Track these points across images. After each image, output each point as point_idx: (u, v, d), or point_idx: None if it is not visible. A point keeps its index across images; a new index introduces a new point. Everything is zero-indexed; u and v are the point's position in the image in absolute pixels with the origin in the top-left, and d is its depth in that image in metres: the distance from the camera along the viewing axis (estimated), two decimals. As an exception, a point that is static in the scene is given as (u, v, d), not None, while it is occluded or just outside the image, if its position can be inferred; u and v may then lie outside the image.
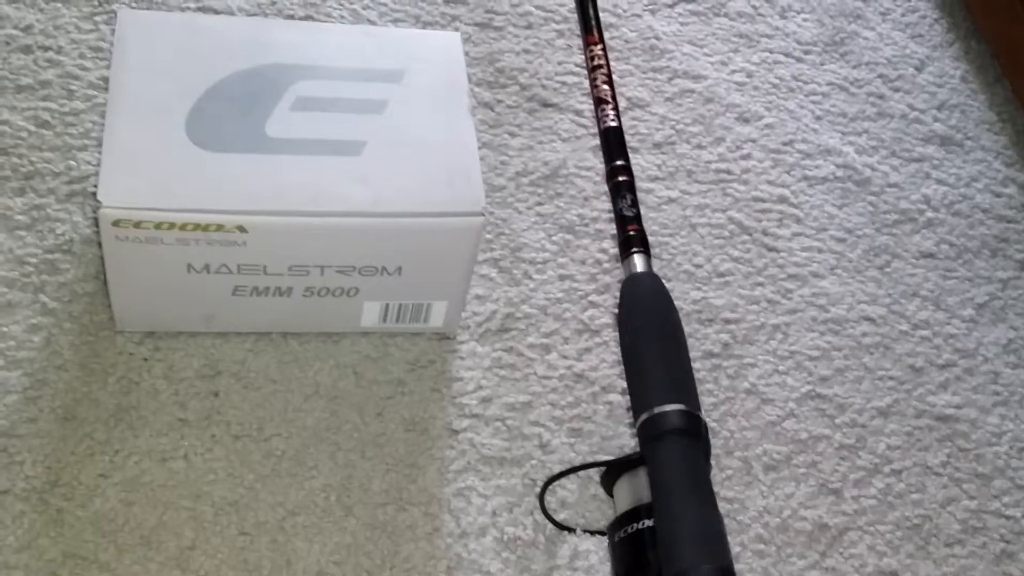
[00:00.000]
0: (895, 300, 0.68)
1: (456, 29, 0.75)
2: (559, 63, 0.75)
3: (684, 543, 0.48)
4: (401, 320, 0.59)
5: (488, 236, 0.65)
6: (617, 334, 0.62)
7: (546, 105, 0.73)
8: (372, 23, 0.74)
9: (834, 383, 0.63)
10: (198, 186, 0.51)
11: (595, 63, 0.65)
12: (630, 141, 0.72)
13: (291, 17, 0.73)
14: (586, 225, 0.67)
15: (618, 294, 0.63)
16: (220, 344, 0.58)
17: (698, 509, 0.49)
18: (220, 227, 0.51)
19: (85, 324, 0.57)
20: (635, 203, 0.59)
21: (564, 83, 0.74)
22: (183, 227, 0.51)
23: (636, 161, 0.71)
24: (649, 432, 0.52)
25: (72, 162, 0.62)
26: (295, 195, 0.52)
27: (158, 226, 0.50)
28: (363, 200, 0.53)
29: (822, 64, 0.80)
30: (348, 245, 0.53)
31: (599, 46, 0.66)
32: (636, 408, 0.53)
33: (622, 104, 0.74)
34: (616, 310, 0.63)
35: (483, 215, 0.54)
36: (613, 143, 0.62)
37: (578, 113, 0.72)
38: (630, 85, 0.75)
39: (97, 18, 0.70)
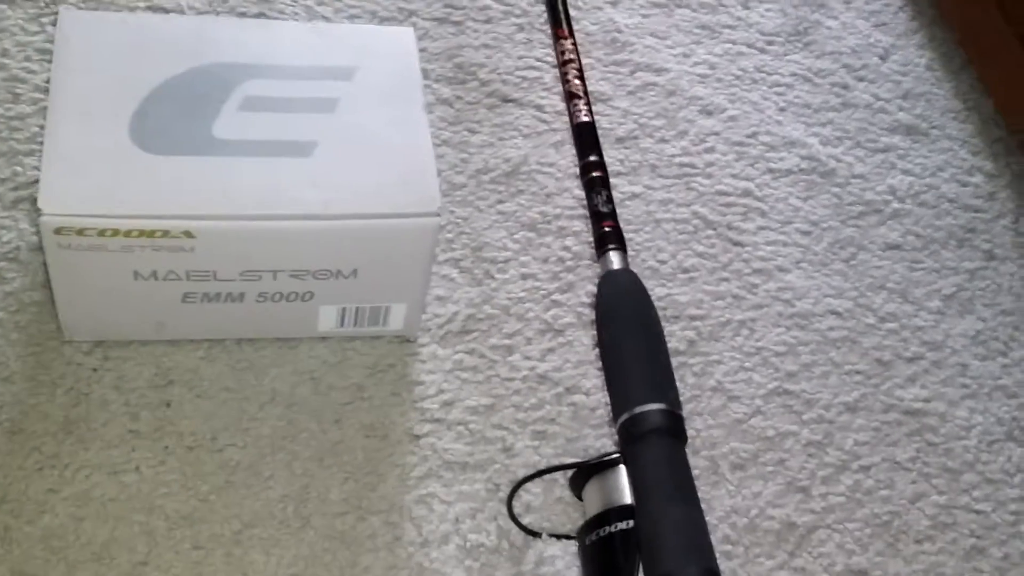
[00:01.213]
0: (861, 293, 0.67)
1: (413, 24, 0.74)
2: (519, 58, 0.74)
3: (669, 545, 0.47)
4: (359, 324, 0.57)
5: (448, 235, 0.64)
6: (580, 334, 0.61)
7: (507, 101, 0.71)
8: (326, 19, 0.72)
9: (801, 379, 0.62)
10: (143, 190, 0.50)
11: (565, 57, 0.63)
12: (592, 136, 0.70)
13: (243, 15, 0.71)
14: (548, 223, 0.66)
15: (582, 293, 0.62)
16: (172, 352, 0.56)
17: (683, 510, 0.48)
18: (166, 233, 0.50)
19: (32, 334, 0.55)
20: (610, 199, 0.59)
21: (525, 78, 0.73)
22: (128, 233, 0.49)
23: (598, 156, 0.69)
24: (631, 432, 0.51)
25: (18, 167, 0.60)
26: (244, 198, 0.50)
27: (102, 233, 0.49)
28: (315, 202, 0.51)
29: (785, 55, 0.79)
30: (301, 249, 0.52)
31: (569, 40, 0.65)
32: (616, 407, 0.52)
33: (584, 98, 0.72)
34: (589, 308, 0.62)
35: (439, 215, 0.52)
36: (586, 138, 0.61)
37: (539, 108, 0.71)
38: (592, 79, 0.74)
39: (44, 19, 0.68)
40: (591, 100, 0.72)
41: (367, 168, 0.53)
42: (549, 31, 0.74)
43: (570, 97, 0.62)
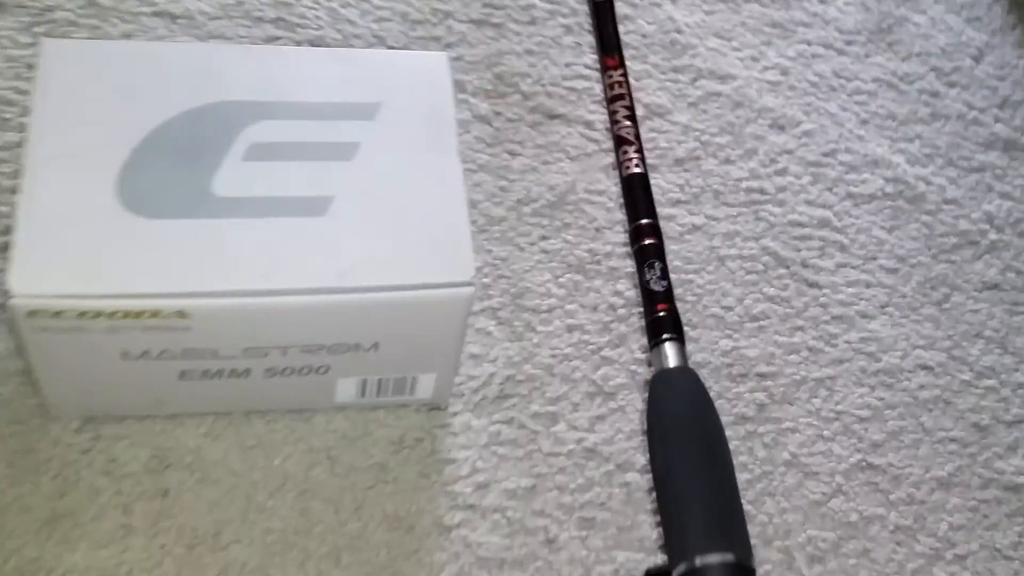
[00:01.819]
0: (956, 343, 0.59)
1: (448, 28, 0.66)
2: (567, 65, 0.66)
3: None
4: (383, 394, 0.50)
5: (485, 280, 0.57)
6: (633, 397, 0.53)
7: (552, 117, 0.64)
8: (352, 23, 0.65)
9: (888, 450, 0.55)
10: (128, 265, 0.43)
11: (615, 92, 0.54)
12: (648, 156, 0.62)
13: (259, 19, 0.63)
14: (598, 263, 0.58)
15: (635, 347, 0.54)
16: (171, 429, 0.49)
17: None
18: (156, 313, 0.43)
19: (15, 410, 0.49)
20: (665, 273, 0.50)
21: (573, 89, 0.65)
22: (112, 315, 0.42)
23: (655, 181, 0.62)
24: None
25: (4, 207, 0.54)
26: (245, 270, 0.43)
27: (81, 315, 0.42)
28: (328, 273, 0.44)
29: (867, 56, 0.70)
30: (313, 324, 0.45)
31: (619, 71, 0.55)
32: (673, 554, 0.44)
33: (639, 111, 0.64)
34: (644, 367, 0.54)
35: (473, 285, 0.45)
36: (639, 195, 0.52)
37: (588, 125, 0.63)
38: (648, 89, 0.66)
39: (37, 29, 0.61)
40: (647, 114, 0.64)
41: (390, 229, 0.45)
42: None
43: (619, 143, 0.53)
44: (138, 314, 0.42)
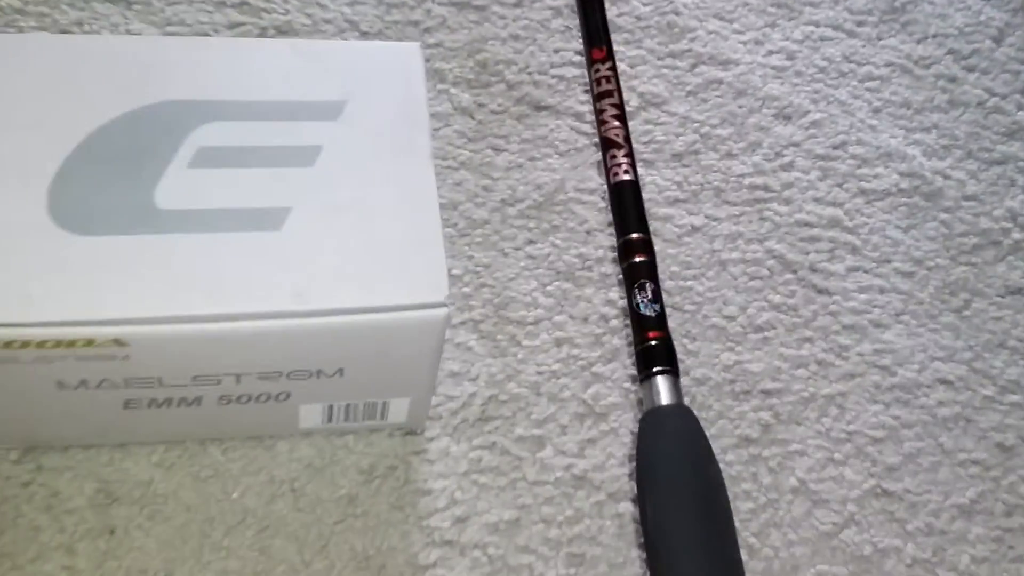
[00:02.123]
0: (977, 355, 0.54)
1: (428, 11, 0.61)
2: (555, 51, 0.61)
3: None
4: (352, 419, 0.46)
5: (466, 289, 0.52)
6: (626, 418, 0.49)
7: (539, 108, 0.59)
8: (322, 6, 0.60)
9: (904, 474, 0.50)
10: (60, 288, 0.38)
11: (602, 88, 0.49)
12: (643, 151, 0.58)
13: (221, 3, 0.59)
14: (589, 269, 0.54)
15: (629, 362, 0.50)
16: (119, 459, 0.45)
17: None
18: (91, 342, 0.38)
19: (-54, 441, 0.44)
20: (658, 296, 0.45)
21: (561, 78, 0.60)
22: (42, 344, 0.38)
23: (652, 178, 0.57)
24: None
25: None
26: (191, 293, 0.39)
27: (8, 345, 0.38)
28: (284, 295, 0.39)
29: (879, 39, 0.66)
30: (268, 351, 0.40)
31: (607, 64, 0.50)
32: None
33: (634, 101, 0.60)
34: (637, 383, 0.50)
35: (447, 306, 0.40)
36: (629, 206, 0.47)
37: (579, 117, 0.58)
38: (643, 76, 0.61)
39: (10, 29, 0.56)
40: (642, 104, 0.59)
41: (354, 244, 0.41)
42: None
43: (607, 146, 0.47)
44: (71, 343, 0.38)
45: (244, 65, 0.45)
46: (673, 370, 0.44)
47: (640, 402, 0.49)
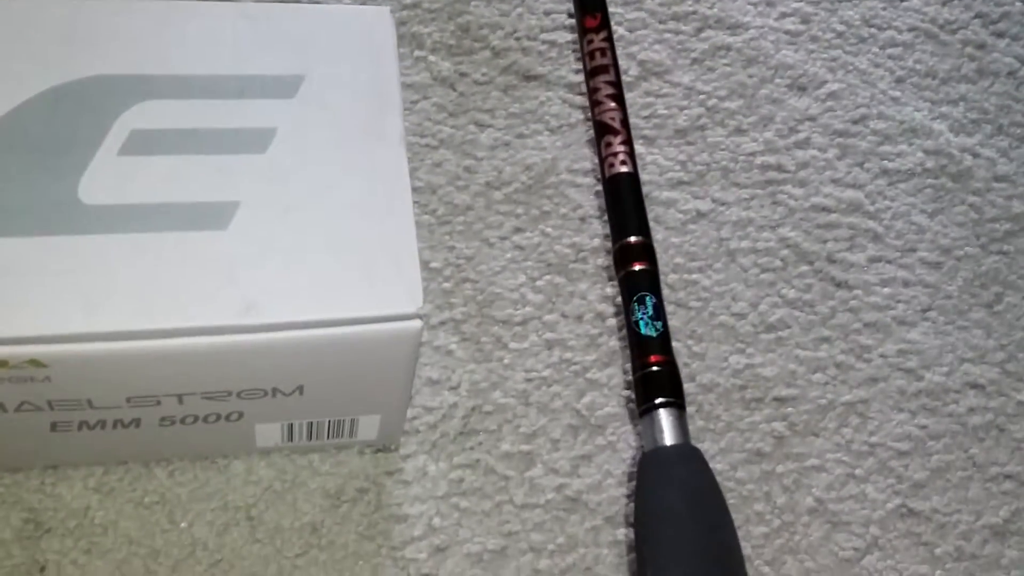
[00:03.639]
0: (1010, 355, 0.49)
1: (404, -31, 0.55)
2: (546, 13, 0.55)
3: None
4: (316, 437, 0.41)
5: (446, 285, 0.47)
6: (625, 431, 0.44)
7: (528, 78, 0.53)
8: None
9: (931, 491, 0.45)
10: (-37, 301, 0.32)
11: (596, 63, 0.43)
12: (644, 126, 0.52)
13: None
14: (583, 260, 0.48)
15: (628, 366, 0.44)
16: (51, 484, 0.40)
17: None
18: (4, 363, 0.33)
19: None
20: (661, 312, 0.39)
21: (553, 43, 0.54)
22: (-56, 366, 0.32)
23: (653, 157, 0.51)
24: None
25: None
26: (121, 306, 0.33)
27: (-96, 366, 0.32)
28: (231, 306, 0.34)
29: (902, 0, 0.60)
30: (213, 370, 0.35)
31: (602, 34, 0.44)
32: None
33: (633, 71, 0.54)
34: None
35: (421, 317, 0.35)
36: (627, 203, 0.41)
37: (572, 88, 0.53)
38: (644, 42, 0.55)
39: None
40: (643, 73, 0.53)
41: (312, 246, 0.35)
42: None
43: (601, 132, 0.41)
44: (-22, 365, 0.32)
45: (185, 32, 0.39)
46: (679, 402, 0.38)
47: (639, 436, 0.43)
